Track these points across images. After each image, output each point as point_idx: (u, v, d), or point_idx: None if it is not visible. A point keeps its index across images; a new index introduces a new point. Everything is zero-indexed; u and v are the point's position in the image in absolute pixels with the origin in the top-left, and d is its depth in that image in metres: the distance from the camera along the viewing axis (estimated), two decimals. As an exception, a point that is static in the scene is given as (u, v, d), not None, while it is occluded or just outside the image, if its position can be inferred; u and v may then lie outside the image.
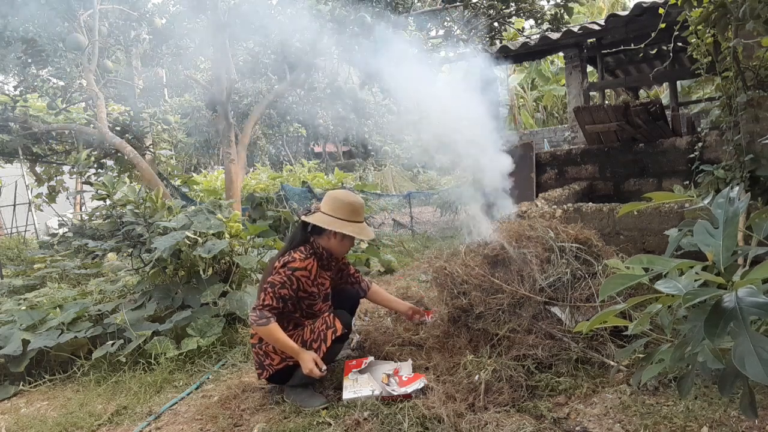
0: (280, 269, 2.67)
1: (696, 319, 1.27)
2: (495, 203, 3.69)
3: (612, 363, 2.56)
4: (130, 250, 4.48)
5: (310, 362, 2.59)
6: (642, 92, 13.16)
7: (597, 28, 5.81)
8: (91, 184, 6.13)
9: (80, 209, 13.76)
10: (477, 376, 2.54)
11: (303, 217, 2.81)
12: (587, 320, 2.29)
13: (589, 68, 8.92)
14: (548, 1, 8.16)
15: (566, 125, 11.99)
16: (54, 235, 9.23)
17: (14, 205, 12.86)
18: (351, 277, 3.17)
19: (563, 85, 14.75)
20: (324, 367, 2.63)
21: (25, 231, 12.85)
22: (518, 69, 18.46)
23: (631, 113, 5.44)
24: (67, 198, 13.62)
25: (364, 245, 6.11)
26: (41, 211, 12.21)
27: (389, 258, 5.99)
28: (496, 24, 8.44)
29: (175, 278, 4.33)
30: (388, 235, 8.52)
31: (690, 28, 3.49)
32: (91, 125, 8.23)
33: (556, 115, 19.25)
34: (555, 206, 4.26)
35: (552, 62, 17.55)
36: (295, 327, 2.80)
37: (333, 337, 2.69)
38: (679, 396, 2.17)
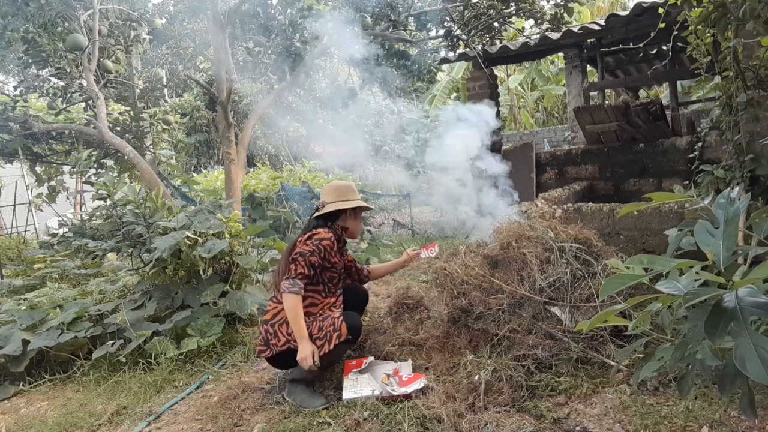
0: (307, 241, 2.87)
1: (696, 319, 1.27)
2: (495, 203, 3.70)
3: (612, 363, 2.56)
4: (130, 250, 4.47)
5: (307, 351, 2.64)
6: (642, 92, 13.16)
7: (597, 28, 5.80)
8: (91, 184, 6.14)
9: (80, 209, 13.76)
10: (477, 376, 2.54)
11: (317, 213, 3.06)
12: (587, 320, 2.29)
13: (589, 68, 8.93)
14: (548, 1, 8.15)
15: (566, 125, 11.99)
16: (54, 235, 9.21)
17: (14, 205, 12.85)
18: (354, 266, 3.39)
19: (563, 85, 14.74)
20: (318, 364, 2.66)
21: (25, 231, 12.84)
22: (518, 69, 18.47)
23: (631, 113, 5.44)
24: (67, 198, 13.62)
25: (364, 245, 6.10)
26: (41, 211, 12.20)
27: (389, 258, 5.99)
28: (496, 24, 8.43)
29: (175, 278, 4.33)
30: (388, 235, 8.52)
31: (690, 28, 3.48)
32: (91, 125, 8.23)
33: (556, 115, 19.25)
34: (555, 206, 4.26)
35: (552, 62, 17.53)
36: (306, 316, 2.84)
37: (337, 341, 2.71)
38: (679, 396, 2.17)
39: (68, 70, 8.51)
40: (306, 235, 2.91)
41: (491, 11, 8.07)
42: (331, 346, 2.70)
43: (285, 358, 2.78)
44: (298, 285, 2.74)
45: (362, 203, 3.14)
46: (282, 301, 2.82)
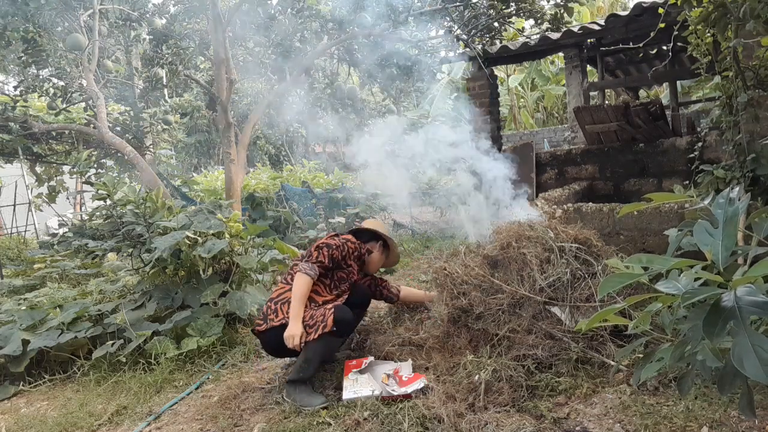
0: (334, 237, 3.06)
1: (695, 319, 1.27)
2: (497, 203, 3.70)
3: (612, 363, 2.56)
4: (130, 250, 4.47)
5: (296, 331, 2.69)
6: (642, 92, 13.16)
7: (597, 28, 5.81)
8: (91, 184, 6.13)
9: (80, 209, 13.76)
10: (477, 376, 2.53)
11: (357, 223, 3.23)
12: (587, 320, 2.30)
13: (589, 68, 8.93)
14: (548, 1, 8.16)
15: (566, 125, 11.99)
16: (54, 235, 9.22)
17: (14, 205, 12.85)
18: (381, 285, 3.49)
19: (563, 85, 14.74)
20: (302, 346, 2.71)
21: (25, 231, 12.84)
22: (518, 69, 18.46)
23: (631, 113, 5.44)
24: (67, 198, 13.63)
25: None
26: (41, 211, 12.21)
27: (389, 258, 5.97)
28: (496, 24, 8.43)
29: (175, 278, 4.32)
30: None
31: (690, 28, 3.48)
32: (91, 125, 8.23)
33: (556, 115, 19.25)
34: (555, 206, 4.26)
35: (552, 62, 17.52)
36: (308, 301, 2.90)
37: (321, 332, 2.72)
38: (679, 396, 2.17)
39: (68, 70, 8.53)
40: (332, 234, 3.14)
41: (491, 11, 8.07)
42: (316, 336, 2.72)
43: (276, 338, 2.79)
44: (315, 270, 2.86)
45: (395, 244, 3.38)
46: (290, 282, 2.91)
